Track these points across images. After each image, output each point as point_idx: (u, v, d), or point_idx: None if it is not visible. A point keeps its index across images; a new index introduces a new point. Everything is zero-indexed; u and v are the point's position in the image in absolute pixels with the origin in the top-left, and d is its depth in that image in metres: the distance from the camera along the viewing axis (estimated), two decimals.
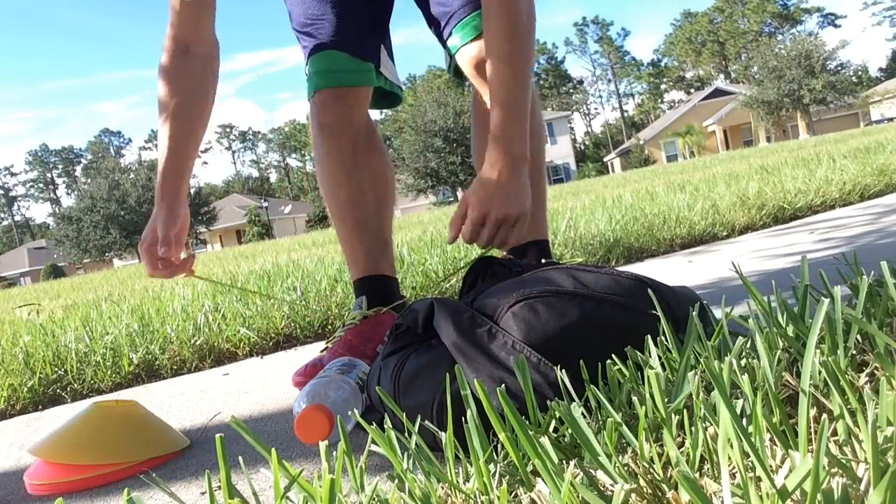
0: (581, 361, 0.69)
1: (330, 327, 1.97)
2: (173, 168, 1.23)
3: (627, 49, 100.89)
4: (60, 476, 0.94)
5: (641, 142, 47.09)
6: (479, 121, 1.41)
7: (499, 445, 0.60)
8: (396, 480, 0.57)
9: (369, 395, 0.91)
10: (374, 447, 0.62)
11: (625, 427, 0.56)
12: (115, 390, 1.70)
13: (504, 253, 1.39)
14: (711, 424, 0.52)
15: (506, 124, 1.08)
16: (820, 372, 0.56)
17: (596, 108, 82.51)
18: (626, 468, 0.52)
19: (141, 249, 1.17)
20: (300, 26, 1.40)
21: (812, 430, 0.51)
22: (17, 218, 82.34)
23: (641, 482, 0.49)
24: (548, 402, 0.63)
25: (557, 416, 0.61)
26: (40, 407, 1.64)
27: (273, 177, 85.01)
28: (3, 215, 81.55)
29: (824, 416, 0.43)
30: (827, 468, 0.42)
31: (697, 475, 0.50)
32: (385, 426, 0.63)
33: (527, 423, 0.59)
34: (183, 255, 1.21)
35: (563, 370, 0.69)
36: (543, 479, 0.49)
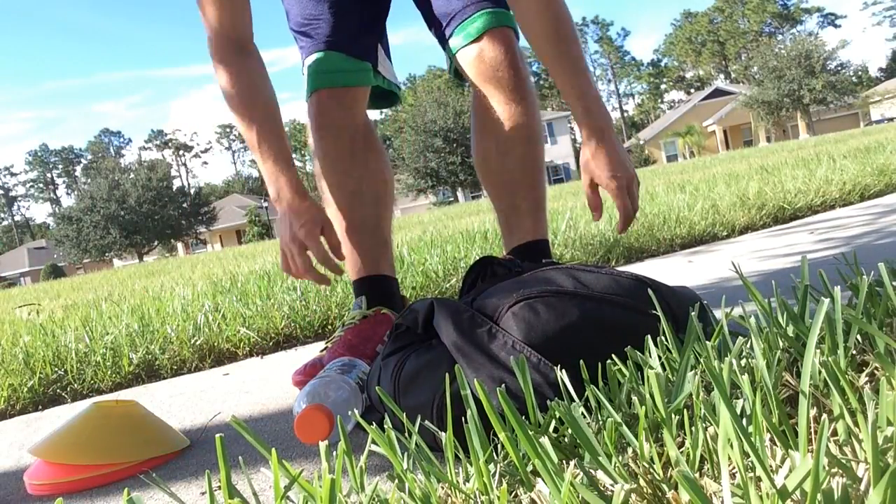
0: (581, 361, 0.69)
1: (330, 327, 1.97)
2: (287, 162, 1.19)
3: (627, 49, 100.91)
4: (60, 476, 0.94)
5: (641, 142, 47.09)
6: (479, 121, 1.41)
7: (499, 445, 0.60)
8: (396, 480, 0.57)
9: (369, 395, 0.91)
10: (374, 447, 0.62)
11: (625, 427, 0.56)
12: (115, 390, 1.70)
13: (504, 253, 1.39)
14: (711, 424, 0.52)
15: (595, 97, 1.17)
16: (820, 372, 0.56)
17: None
18: (626, 468, 0.52)
19: (292, 248, 1.13)
20: (297, 26, 1.40)
21: (812, 430, 0.51)
22: (17, 218, 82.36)
23: (641, 482, 0.49)
24: (548, 402, 0.63)
25: (557, 416, 0.61)
26: (40, 407, 1.64)
27: None
28: (3, 215, 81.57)
29: (824, 416, 0.43)
30: (827, 468, 0.42)
31: (697, 475, 0.50)
32: (385, 426, 0.63)
33: (527, 423, 0.59)
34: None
35: (563, 370, 0.69)
36: (543, 479, 0.49)
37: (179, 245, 46.29)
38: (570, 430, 0.58)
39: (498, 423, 0.55)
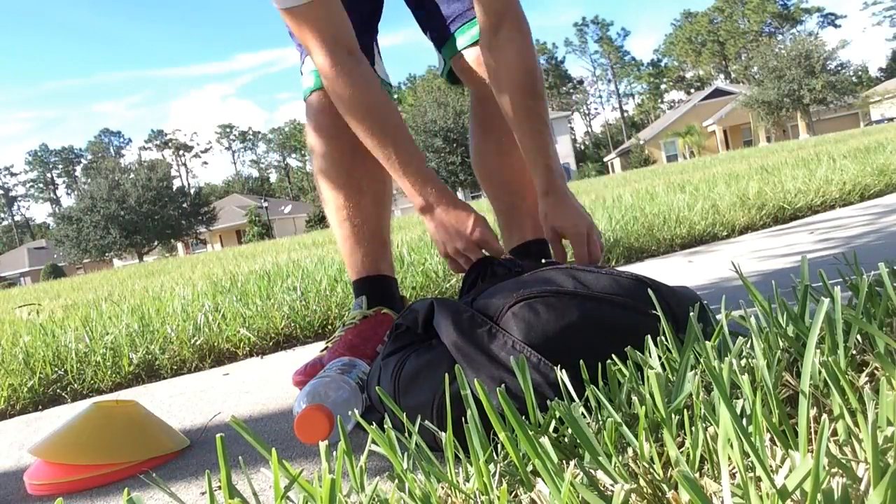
0: (581, 361, 0.69)
1: (330, 327, 1.97)
2: (430, 170, 1.13)
3: (627, 49, 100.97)
4: (60, 476, 0.94)
5: (641, 142, 47.09)
6: (478, 121, 1.41)
7: (499, 445, 0.60)
8: (396, 480, 0.57)
9: (369, 395, 0.91)
10: (374, 447, 0.62)
11: (625, 427, 0.56)
12: (115, 390, 1.70)
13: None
14: (711, 424, 0.52)
15: (555, 155, 1.21)
16: (820, 372, 0.56)
17: (596, 108, 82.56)
18: (626, 468, 0.52)
19: (470, 254, 1.08)
20: None
21: (812, 430, 0.51)
22: (17, 218, 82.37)
23: (641, 482, 0.49)
24: (548, 402, 0.63)
25: (557, 416, 0.61)
26: (40, 407, 1.64)
27: (273, 177, 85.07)
28: (3, 215, 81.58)
29: (824, 416, 0.43)
30: (827, 468, 0.42)
31: (697, 475, 0.50)
32: (385, 426, 0.63)
33: (527, 423, 0.59)
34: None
35: (563, 370, 0.69)
36: (543, 479, 0.49)
37: (179, 245, 46.30)
38: (570, 430, 0.58)
39: (498, 423, 0.55)
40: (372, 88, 1.14)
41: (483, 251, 1.08)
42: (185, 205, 42.76)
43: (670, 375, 0.66)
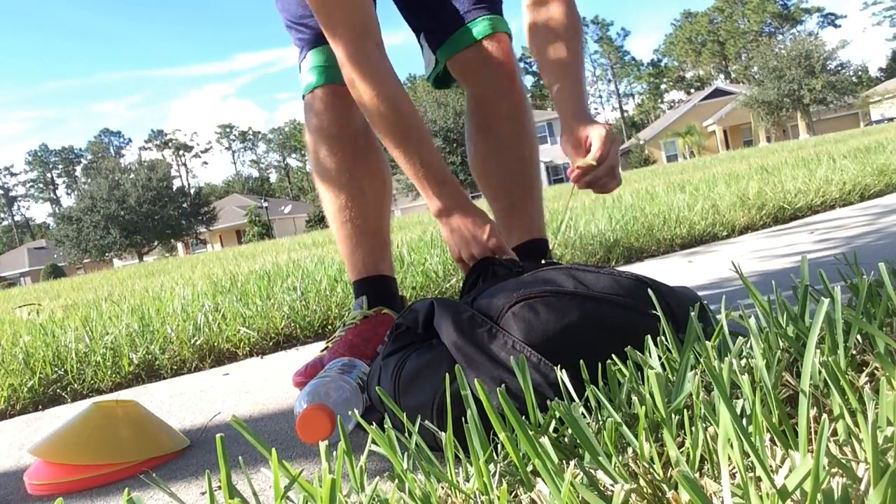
0: (581, 361, 0.69)
1: (330, 327, 1.97)
2: (451, 176, 1.11)
3: (627, 49, 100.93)
4: (60, 476, 0.94)
5: (641, 142, 47.08)
6: (476, 121, 1.41)
7: (499, 445, 0.60)
8: (396, 480, 0.57)
9: (369, 395, 0.91)
10: (374, 447, 0.62)
11: (625, 427, 0.56)
12: (115, 390, 1.70)
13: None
14: (711, 424, 0.52)
15: (583, 83, 1.19)
16: (820, 372, 0.56)
17: (596, 108, 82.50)
18: (626, 468, 0.52)
19: (479, 253, 1.07)
20: (296, 18, 1.35)
21: (812, 430, 0.51)
22: (17, 218, 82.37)
23: (641, 482, 0.49)
24: (548, 402, 0.63)
25: (557, 416, 0.61)
26: (40, 407, 1.64)
27: (273, 177, 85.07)
28: (3, 215, 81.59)
29: (824, 416, 0.43)
30: (827, 468, 0.42)
31: (697, 475, 0.50)
32: (385, 426, 0.63)
33: (527, 423, 0.59)
34: None
35: (564, 370, 0.69)
36: (543, 479, 0.49)
37: (179, 245, 46.31)
38: (570, 430, 0.58)
39: (498, 423, 0.55)
40: (398, 85, 1.12)
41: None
42: (185, 205, 42.78)
43: (670, 375, 0.66)
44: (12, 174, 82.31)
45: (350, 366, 1.02)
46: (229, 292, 2.73)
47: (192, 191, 50.02)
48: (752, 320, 0.68)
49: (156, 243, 42.10)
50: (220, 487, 0.55)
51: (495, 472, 0.56)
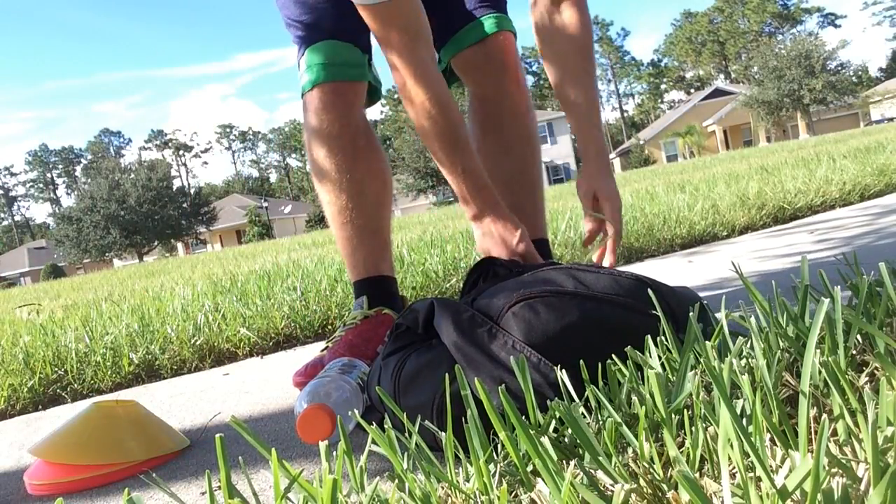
0: (581, 361, 0.69)
1: (330, 327, 1.97)
2: (488, 181, 1.13)
3: (627, 49, 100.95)
4: (60, 476, 0.94)
5: (641, 142, 47.10)
6: (479, 121, 1.41)
7: (499, 445, 0.60)
8: (396, 480, 0.57)
9: (369, 395, 0.91)
10: (374, 447, 0.62)
11: (625, 427, 0.56)
12: (115, 390, 1.70)
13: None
14: (711, 424, 0.52)
15: (601, 124, 1.24)
16: (820, 372, 0.56)
17: None
18: (626, 468, 0.52)
19: (508, 256, 1.10)
20: (296, 14, 1.33)
21: (812, 430, 0.51)
22: (17, 218, 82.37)
23: (641, 482, 0.49)
24: (548, 402, 0.63)
25: (557, 415, 0.61)
26: (40, 407, 1.64)
27: (273, 177, 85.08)
28: (3, 215, 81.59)
29: (824, 416, 0.43)
30: (827, 468, 0.42)
31: (697, 475, 0.50)
32: (385, 426, 0.63)
33: (527, 422, 0.59)
34: None
35: (564, 370, 0.69)
36: (543, 479, 0.49)
37: (179, 245, 46.33)
38: (570, 430, 0.58)
39: (498, 422, 0.55)
40: (447, 91, 1.13)
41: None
42: (185, 205, 42.79)
43: (670, 375, 0.66)
44: (12, 174, 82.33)
45: (350, 366, 1.02)
46: (229, 292, 2.73)
47: (192, 191, 50.04)
48: (753, 320, 0.68)
49: (156, 243, 42.11)
50: (220, 487, 0.55)
51: (495, 472, 0.56)
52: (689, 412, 0.57)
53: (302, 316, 1.98)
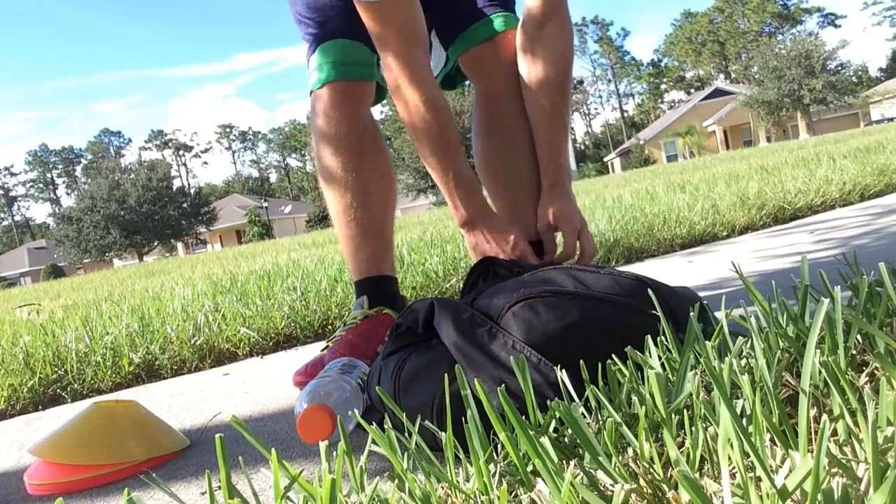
0: (581, 361, 0.69)
1: (330, 327, 1.97)
2: (479, 185, 1.15)
3: (627, 49, 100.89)
4: (60, 476, 0.94)
5: (641, 142, 47.10)
6: (484, 119, 1.40)
7: (499, 445, 0.60)
8: (396, 480, 0.57)
9: (369, 395, 0.91)
10: (374, 447, 0.62)
11: (625, 427, 0.56)
12: (115, 390, 1.70)
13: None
14: (711, 424, 0.52)
15: (565, 148, 1.25)
16: (820, 372, 0.56)
17: (596, 108, 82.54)
18: (626, 468, 0.52)
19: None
20: (308, 12, 1.33)
21: (812, 430, 0.51)
22: (17, 218, 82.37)
23: (641, 482, 0.49)
24: (548, 402, 0.63)
25: (557, 416, 0.61)
26: (40, 407, 1.64)
27: (273, 177, 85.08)
28: (3, 215, 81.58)
29: (824, 416, 0.43)
30: (827, 468, 0.42)
31: (697, 475, 0.50)
32: (385, 426, 0.63)
33: (527, 423, 0.59)
34: None
35: (564, 370, 0.69)
36: (543, 479, 0.49)
37: (179, 245, 46.33)
38: (570, 430, 0.58)
39: (498, 422, 0.55)
40: (441, 95, 1.14)
41: None
42: (185, 205, 42.79)
43: (670, 375, 0.66)
44: (12, 174, 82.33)
45: (350, 366, 1.02)
46: (229, 292, 2.73)
47: (192, 191, 50.06)
48: (753, 320, 0.68)
49: (156, 243, 42.11)
50: (220, 487, 0.55)
51: (495, 472, 0.56)
52: (689, 412, 0.57)
53: (302, 316, 1.98)
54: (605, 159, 58.69)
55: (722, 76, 69.72)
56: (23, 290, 12.95)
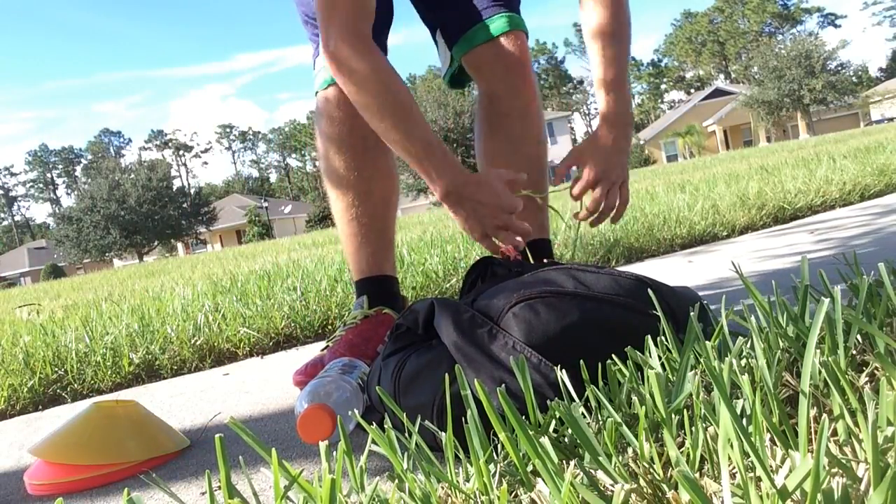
0: (581, 361, 0.69)
1: (330, 327, 1.97)
2: (454, 158, 1.08)
3: None
4: (60, 476, 0.94)
5: (641, 142, 47.08)
6: (487, 119, 1.41)
7: (499, 445, 0.60)
8: (396, 480, 0.57)
9: (369, 395, 0.91)
10: (374, 447, 0.62)
11: (625, 427, 0.56)
12: (115, 390, 1.70)
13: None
14: (711, 424, 0.52)
15: (625, 93, 1.18)
16: (820, 372, 0.57)
17: (596, 108, 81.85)
18: (626, 468, 0.52)
19: (499, 235, 1.05)
20: (313, 13, 1.31)
21: (812, 430, 0.51)
22: (17, 218, 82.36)
23: (641, 482, 0.49)
24: (548, 402, 0.63)
25: (557, 416, 0.61)
26: (40, 407, 1.64)
27: (273, 177, 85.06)
28: (3, 215, 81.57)
29: (824, 416, 0.43)
30: (827, 468, 0.42)
31: (697, 475, 0.50)
32: (385, 426, 0.63)
33: (527, 423, 0.59)
34: None
35: (564, 370, 0.69)
36: (543, 479, 0.49)
37: (179, 245, 46.32)
38: (570, 430, 0.58)
39: (498, 423, 0.55)
40: (389, 68, 1.08)
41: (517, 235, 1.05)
42: (185, 205, 42.78)
43: (670, 375, 0.66)
44: (12, 174, 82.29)
45: (350, 366, 1.02)
46: (229, 292, 2.73)
47: (192, 191, 50.05)
48: (753, 320, 0.68)
49: (156, 243, 42.09)
50: (220, 487, 0.55)
51: (495, 472, 0.56)
52: (689, 412, 0.57)
53: (302, 316, 1.98)
54: None
55: (722, 76, 69.73)
56: (23, 290, 12.95)
